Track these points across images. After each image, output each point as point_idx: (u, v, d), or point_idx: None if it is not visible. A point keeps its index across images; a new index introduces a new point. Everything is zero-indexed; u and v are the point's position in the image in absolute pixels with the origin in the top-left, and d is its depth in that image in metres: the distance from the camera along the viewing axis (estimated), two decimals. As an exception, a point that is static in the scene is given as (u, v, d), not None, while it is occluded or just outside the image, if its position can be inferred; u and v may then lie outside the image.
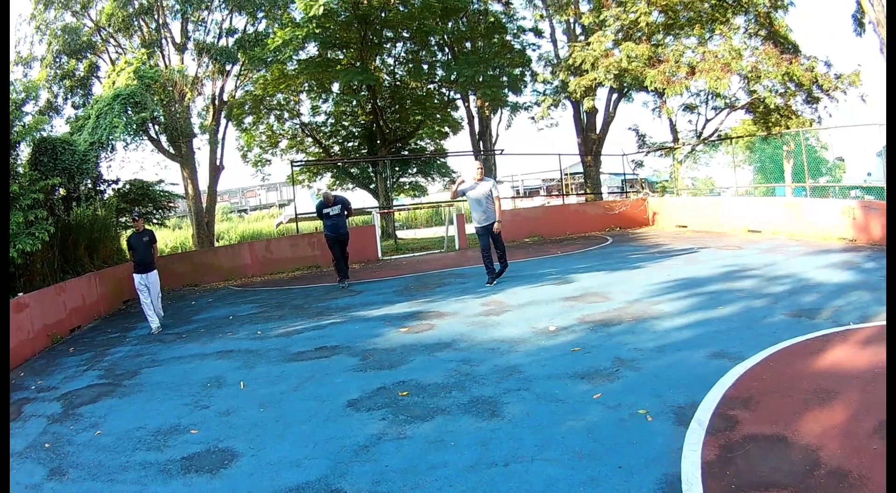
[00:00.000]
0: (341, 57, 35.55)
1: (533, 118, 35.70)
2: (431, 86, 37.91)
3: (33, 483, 6.92)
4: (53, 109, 29.83)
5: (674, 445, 5.75)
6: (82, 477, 6.89)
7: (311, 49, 33.72)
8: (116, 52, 30.36)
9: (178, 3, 29.10)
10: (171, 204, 27.47)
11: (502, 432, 6.53)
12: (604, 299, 12.42)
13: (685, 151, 30.32)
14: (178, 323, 15.93)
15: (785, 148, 26.20)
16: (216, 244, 35.47)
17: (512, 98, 35.95)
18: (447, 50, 35.96)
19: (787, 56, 24.77)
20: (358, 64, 33.21)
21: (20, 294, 14.78)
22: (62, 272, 18.35)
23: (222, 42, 30.02)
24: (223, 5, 29.97)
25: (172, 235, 45.26)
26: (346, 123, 41.38)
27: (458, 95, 37.17)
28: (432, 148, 43.79)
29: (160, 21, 29.60)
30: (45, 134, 19.78)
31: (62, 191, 19.85)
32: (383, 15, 31.75)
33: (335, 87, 37.09)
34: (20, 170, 17.65)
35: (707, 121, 30.04)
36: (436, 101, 38.21)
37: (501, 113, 38.19)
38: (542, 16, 34.46)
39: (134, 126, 20.98)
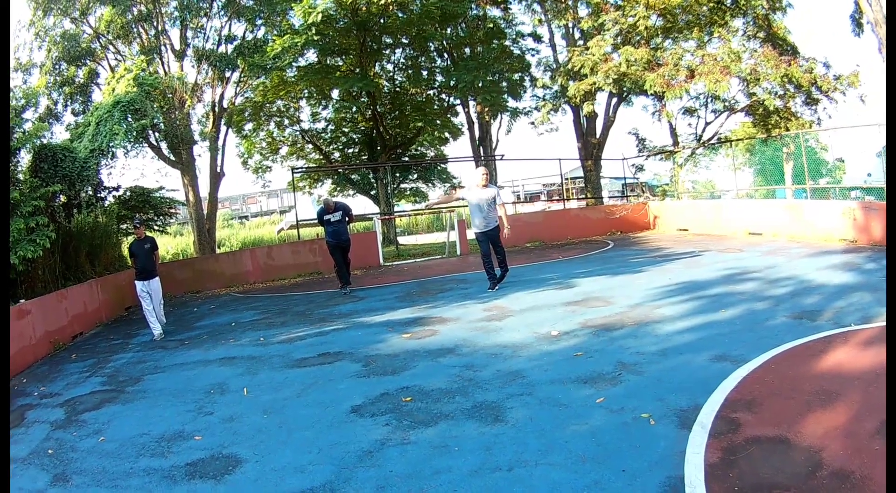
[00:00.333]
0: (341, 63, 35.60)
1: (533, 123, 36.00)
2: (431, 92, 37.88)
3: (37, 489, 6.92)
4: (53, 116, 29.91)
5: (677, 448, 5.75)
6: (86, 483, 6.89)
7: (311, 56, 33.71)
8: (116, 59, 30.51)
9: (177, 10, 29.18)
10: (172, 211, 27.54)
11: (506, 437, 6.52)
12: (606, 303, 12.43)
13: (685, 155, 30.36)
14: (181, 330, 15.97)
15: (785, 150, 26.18)
16: (217, 251, 35.46)
17: (512, 103, 35.99)
18: (446, 55, 35.98)
19: (786, 58, 24.87)
20: (357, 70, 33.20)
21: (22, 301, 14.83)
22: (64, 279, 18.37)
23: (221, 49, 30.08)
24: (222, 12, 30.12)
25: (174, 242, 45.25)
26: (346, 130, 41.40)
27: (458, 101, 37.17)
28: (433, 154, 43.86)
29: (159, 28, 29.64)
30: (45, 141, 19.88)
31: (63, 198, 19.85)
32: (382, 21, 31.59)
33: (335, 93, 37.03)
34: (20, 177, 17.74)
35: (707, 124, 30.14)
36: (436, 106, 38.18)
37: (501, 118, 38.21)
38: (540, 20, 34.54)
39: (134, 133, 21.07)
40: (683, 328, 9.88)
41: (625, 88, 28.38)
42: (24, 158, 18.84)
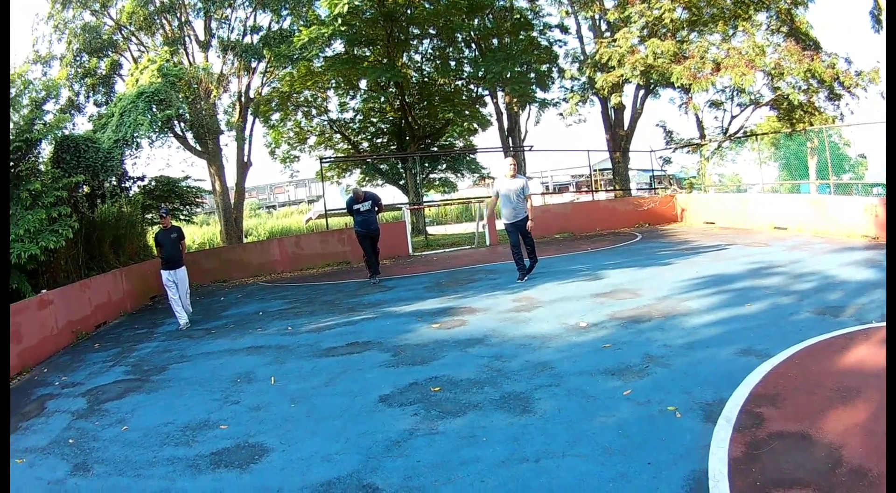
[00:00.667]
0: (368, 54, 35.56)
1: (561, 115, 35.92)
2: (459, 82, 37.82)
3: (56, 479, 6.97)
4: (75, 108, 30.18)
5: (702, 441, 5.77)
6: (108, 472, 6.94)
7: (338, 46, 33.78)
8: (139, 50, 30.63)
9: (200, 1, 29.25)
10: (199, 200, 27.63)
11: (534, 427, 6.55)
12: (634, 295, 12.46)
13: (712, 148, 30.20)
14: (207, 319, 16.08)
15: (809, 145, 26.05)
16: (245, 240, 35.55)
17: (540, 94, 36.06)
18: (474, 46, 35.92)
19: (809, 53, 24.68)
20: (385, 61, 33.25)
21: (44, 291, 14.90)
22: (87, 269, 18.53)
23: (247, 39, 30.11)
24: (247, 3, 30.07)
25: (200, 232, 45.38)
26: (374, 120, 41.59)
27: (487, 92, 37.12)
28: (462, 144, 43.78)
29: (182, 19, 29.72)
30: (66, 132, 19.91)
31: (86, 188, 20.04)
32: (409, 12, 31.69)
33: (363, 83, 37.17)
34: (42, 167, 17.86)
35: (733, 117, 29.94)
36: (464, 97, 38.18)
37: (530, 109, 38.18)
38: (567, 12, 34.30)
39: (159, 123, 21.19)
40: (710, 322, 9.89)
41: (651, 81, 28.31)
42: (46, 150, 18.90)
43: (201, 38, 30.38)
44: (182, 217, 26.20)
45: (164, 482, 6.47)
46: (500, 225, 18.54)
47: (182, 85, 25.79)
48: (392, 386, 8.49)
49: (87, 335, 15.71)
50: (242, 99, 31.32)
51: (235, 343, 12.70)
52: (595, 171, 44.43)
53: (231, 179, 32.48)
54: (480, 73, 33.97)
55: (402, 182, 39.72)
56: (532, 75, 34.69)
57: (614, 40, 27.63)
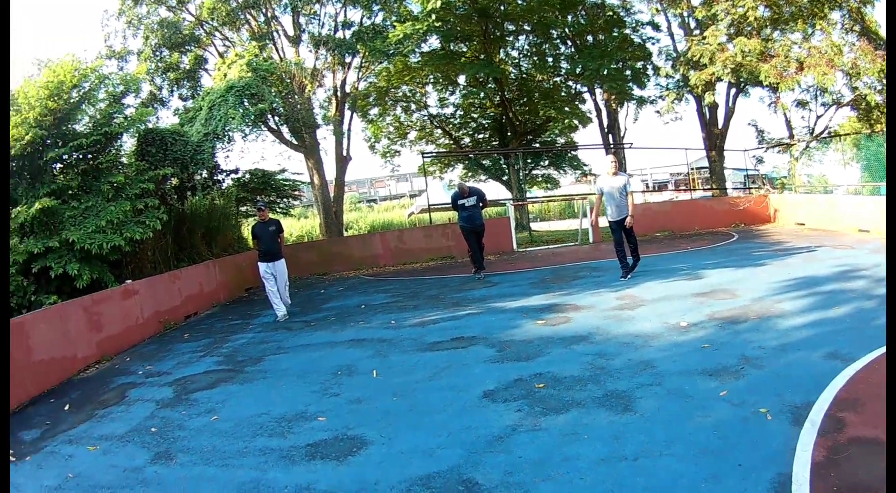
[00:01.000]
0: (465, 49, 35.78)
1: (658, 112, 35.63)
2: (557, 79, 37.72)
3: (134, 466, 7.22)
4: (158, 102, 30.72)
5: (789, 445, 5.83)
6: (193, 462, 7.17)
7: (434, 42, 33.88)
8: (224, 45, 30.90)
9: (287, -3, 29.28)
10: (297, 193, 28.15)
11: (634, 426, 6.66)
12: (731, 295, 12.50)
13: (800, 148, 29.93)
14: (307, 311, 16.50)
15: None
16: (345, 234, 35.79)
17: (636, 92, 35.84)
18: (570, 43, 35.80)
19: (881, 52, 24.39)
20: (482, 57, 33.44)
21: (128, 281, 15.33)
22: (176, 260, 18.88)
23: (339, 34, 30.15)
24: (336, -1, 30.04)
25: (297, 225, 45.80)
26: (475, 115, 41.56)
27: (585, 88, 36.97)
28: (563, 141, 43.66)
29: (269, 14, 29.99)
30: (150, 126, 20.41)
31: (174, 180, 20.36)
32: (502, 8, 31.79)
33: (461, 79, 37.29)
34: (124, 160, 18.35)
35: (818, 117, 29.67)
36: (563, 94, 38.03)
37: (627, 107, 37.92)
38: (657, 9, 34.12)
39: (251, 117, 21.41)
40: (800, 324, 9.92)
41: (741, 79, 28.11)
42: (128, 143, 19.40)
43: (290, 33, 30.58)
44: (279, 210, 26.58)
45: (254, 472, 6.66)
46: (603, 222, 18.55)
47: (274, 79, 26.08)
48: (496, 382, 8.60)
49: (176, 326, 16.14)
50: (338, 94, 31.48)
51: (336, 336, 12.99)
52: (692, 169, 44.18)
53: (330, 172, 32.74)
54: (578, 70, 33.98)
55: (504, 178, 39.70)
56: (628, 73, 34.57)
57: (704, 38, 27.53)
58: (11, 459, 7.96)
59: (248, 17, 30.01)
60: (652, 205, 30.46)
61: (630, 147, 36.00)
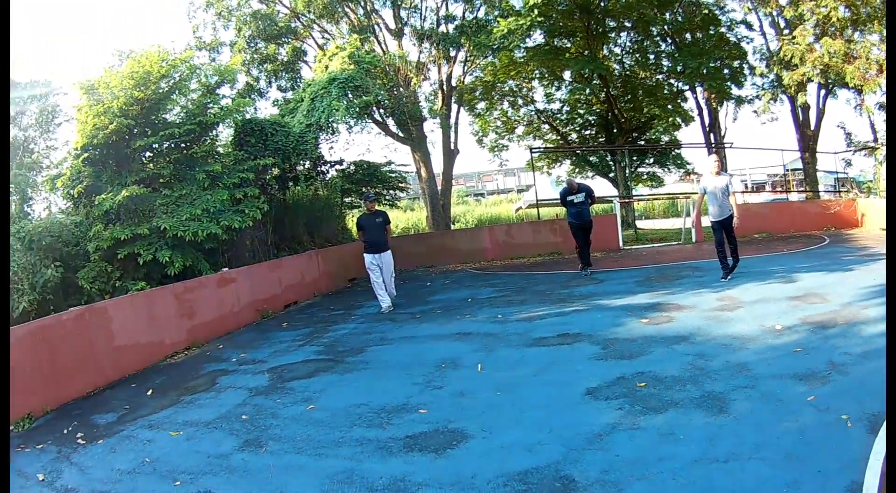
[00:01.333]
0: (569, 45, 35.75)
1: (755, 112, 35.42)
2: (660, 76, 37.65)
3: (220, 453, 7.46)
4: (256, 92, 31.25)
5: (865, 453, 5.73)
6: (284, 450, 7.35)
7: (538, 37, 33.89)
8: (323, 37, 31.38)
9: (388, -9, 29.36)
10: (403, 185, 28.21)
11: (727, 428, 6.67)
12: (822, 300, 12.40)
13: (884, 152, 29.56)
14: (412, 303, 16.79)
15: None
16: (452, 227, 36.17)
17: (735, 91, 35.64)
18: (669, 40, 35.73)
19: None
20: (586, 52, 33.44)
21: (224, 269, 15.73)
22: (276, 249, 19.21)
23: (442, 28, 30.36)
24: (438, -8, 30.07)
25: (404, 217, 46.26)
26: (581, 111, 41.40)
27: (687, 86, 36.86)
28: (667, 139, 43.48)
29: (368, 8, 30.21)
30: (248, 116, 20.66)
31: (275, 171, 20.56)
32: (602, 4, 31.94)
33: (566, 75, 37.36)
34: (220, 150, 18.75)
35: (901, 121, 29.28)
36: (665, 91, 37.90)
37: (727, 106, 37.63)
38: (749, 8, 33.83)
39: (356, 109, 21.66)
40: (883, 332, 9.70)
41: (829, 80, 27.93)
42: (224, 133, 19.83)
43: (391, 26, 30.86)
44: (385, 201, 26.82)
45: (348, 462, 6.79)
46: (705, 222, 18.54)
47: (378, 72, 26.29)
48: (599, 379, 8.67)
49: (274, 315, 16.57)
50: (444, 87, 31.69)
51: (442, 329, 13.21)
52: (787, 171, 43.80)
53: (437, 166, 33.08)
54: (679, 68, 33.91)
55: (611, 175, 39.59)
56: (726, 71, 34.37)
57: (793, 38, 27.35)
58: (80, 442, 8.39)
59: (347, 10, 30.34)
60: (751, 206, 30.19)
61: (731, 147, 35.68)
